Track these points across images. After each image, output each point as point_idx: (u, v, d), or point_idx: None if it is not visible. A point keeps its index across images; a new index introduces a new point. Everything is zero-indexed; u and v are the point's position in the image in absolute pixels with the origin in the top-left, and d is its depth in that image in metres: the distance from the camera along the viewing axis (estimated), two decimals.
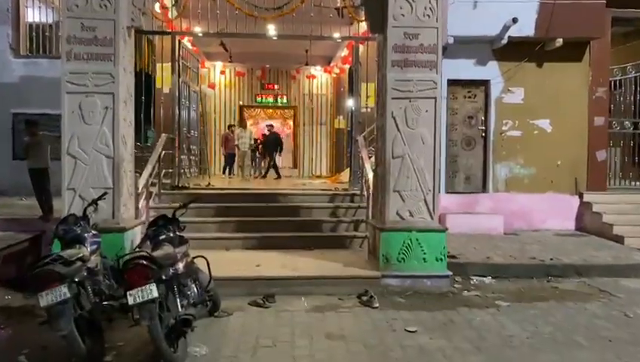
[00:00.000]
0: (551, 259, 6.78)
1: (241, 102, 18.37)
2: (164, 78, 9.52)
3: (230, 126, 15.65)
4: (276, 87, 18.43)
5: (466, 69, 8.93)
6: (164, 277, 3.70)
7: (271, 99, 18.56)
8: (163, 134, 8.23)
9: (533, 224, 9.11)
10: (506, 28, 8.43)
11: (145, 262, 3.56)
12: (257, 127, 19.13)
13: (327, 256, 6.55)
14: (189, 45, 13.82)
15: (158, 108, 9.28)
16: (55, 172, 5.53)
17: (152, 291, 3.48)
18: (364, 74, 9.42)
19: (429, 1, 5.72)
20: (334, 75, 17.56)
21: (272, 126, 15.77)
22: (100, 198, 4.79)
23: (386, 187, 5.83)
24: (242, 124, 15.61)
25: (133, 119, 5.98)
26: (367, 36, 9.52)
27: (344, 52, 14.44)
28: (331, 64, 17.35)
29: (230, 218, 7.57)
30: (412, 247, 5.75)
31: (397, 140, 5.78)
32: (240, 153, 14.17)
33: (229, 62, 16.96)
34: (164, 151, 8.10)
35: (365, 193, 7.82)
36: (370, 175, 7.20)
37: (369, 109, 9.75)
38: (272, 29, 13.31)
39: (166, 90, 9.64)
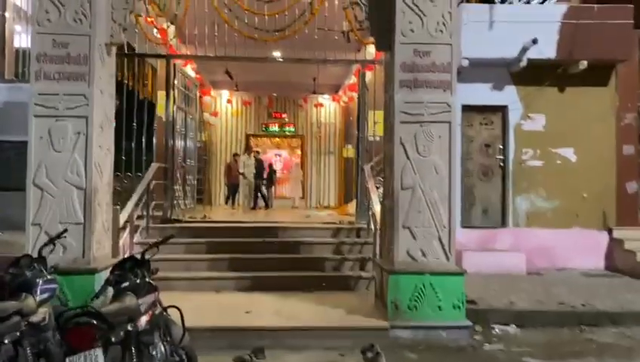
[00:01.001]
0: (582, 305, 5.97)
1: (247, 131, 17.90)
2: (162, 105, 9.02)
3: (235, 155, 15.08)
4: (284, 115, 17.97)
5: (481, 93, 8.28)
6: (114, 339, 2.99)
7: (278, 128, 18.07)
8: (153, 163, 7.64)
9: (557, 262, 8.29)
10: (524, 49, 7.80)
11: (90, 320, 2.87)
12: (265, 156, 18.59)
13: (329, 300, 5.81)
14: (192, 73, 13.45)
15: (159, 137, 8.73)
16: (20, 204, 4.89)
17: (98, 357, 2.78)
18: (371, 100, 8.83)
19: (442, 15, 5.11)
20: (342, 104, 17.05)
21: (256, 152, 15.19)
22: (58, 236, 4.13)
23: (395, 222, 5.12)
24: (248, 150, 14.91)
25: (112, 146, 5.37)
26: (373, 59, 9.00)
27: (352, 80, 13.92)
28: (339, 92, 16.87)
29: (223, 255, 6.87)
30: (425, 293, 4.99)
31: (406, 169, 5.09)
32: (245, 182, 13.49)
33: (236, 90, 16.58)
34: (154, 182, 7.49)
35: (372, 227, 7.11)
36: (377, 208, 6.52)
37: (377, 138, 9.15)
38: (276, 55, 12.90)
39: (181, 122, 9.11)
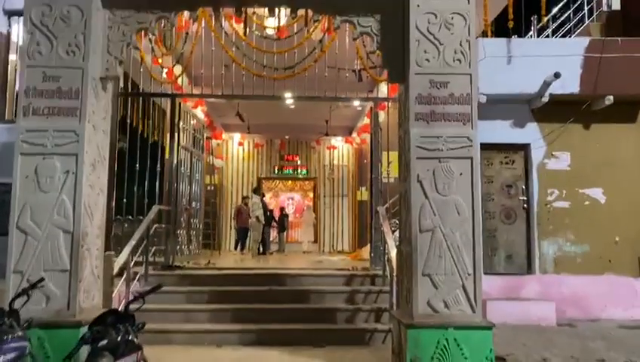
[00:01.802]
0: None
1: (259, 175, 17.61)
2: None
3: (244, 198, 14.69)
4: (296, 158, 17.69)
5: (501, 131, 7.84)
6: None
7: (290, 171, 17.76)
8: (154, 206, 7.25)
9: (590, 312, 7.60)
10: (546, 84, 7.39)
11: None
12: (277, 200, 18.20)
13: (341, 357, 5.25)
14: (202, 115, 13.28)
15: (165, 179, 8.41)
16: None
17: None
18: (385, 141, 8.44)
19: (460, 44, 4.74)
20: (355, 146, 16.74)
21: (262, 194, 14.75)
22: (33, 286, 3.69)
23: (413, 269, 4.59)
24: (259, 192, 14.36)
25: (105, 186, 4.99)
26: (387, 97, 8.68)
27: (365, 121, 13.62)
28: (352, 134, 16.59)
29: (226, 305, 6.35)
30: (449, 350, 4.40)
31: (425, 210, 4.60)
32: (256, 225, 12.92)
33: (247, 133, 16.39)
34: (156, 225, 7.09)
35: (388, 274, 6.58)
36: (394, 253, 6.00)
37: (392, 179, 8.73)
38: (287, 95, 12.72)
39: (186, 163, 8.82)
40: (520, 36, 8.10)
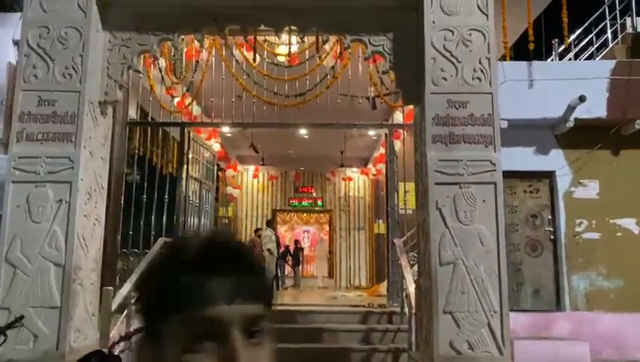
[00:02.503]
0: None
1: (274, 207, 17.32)
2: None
3: (257, 230, 14.36)
4: (311, 190, 17.40)
5: (524, 158, 7.42)
6: None
7: (305, 203, 17.45)
8: (160, 238, 6.95)
9: (628, 352, 6.98)
10: (570, 108, 7.01)
11: None
12: (292, 233, 17.82)
13: None
14: (217, 146, 13.12)
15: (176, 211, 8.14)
16: None
17: None
18: (401, 171, 8.10)
19: (479, 61, 4.43)
20: (372, 177, 16.40)
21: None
22: (10, 326, 3.36)
23: (434, 306, 4.16)
24: (272, 225, 13.93)
25: (102, 217, 4.71)
26: (402, 123, 8.38)
27: (381, 150, 13.31)
28: (368, 165, 16.28)
29: None
30: None
31: (445, 240, 4.20)
32: (268, 258, 12.51)
33: (262, 165, 16.20)
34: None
35: (407, 311, 6.13)
36: (412, 288, 5.58)
37: (409, 211, 8.34)
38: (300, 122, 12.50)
39: (195, 194, 8.59)
40: (541, 60, 7.77)
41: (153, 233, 7.29)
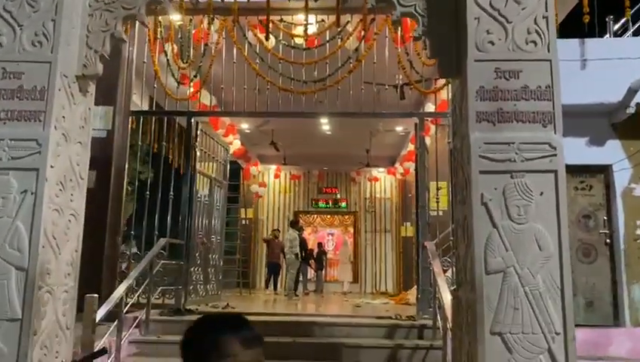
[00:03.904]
0: None
1: (296, 208, 16.60)
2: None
3: (274, 230, 13.66)
4: (335, 191, 16.62)
5: (575, 150, 6.40)
6: None
7: (329, 205, 16.67)
8: (161, 239, 6.26)
9: None
10: (631, 92, 6.08)
11: None
12: (315, 235, 17.04)
13: None
14: (237, 143, 12.46)
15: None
16: None
17: None
18: (432, 167, 7.24)
19: (534, 21, 3.57)
20: (399, 177, 15.53)
21: (301, 228, 13.70)
22: None
23: (478, 325, 3.30)
24: (297, 226, 12.99)
25: (81, 212, 4.00)
26: (435, 112, 7.53)
27: (409, 147, 12.44)
28: (395, 165, 15.42)
29: None
30: None
31: (493, 243, 3.35)
32: (293, 262, 11.66)
33: (284, 164, 15.50)
34: (161, 262, 6.08)
35: (440, 325, 5.28)
36: (447, 298, 4.73)
37: (441, 212, 7.50)
38: (324, 122, 11.75)
39: (205, 191, 7.91)
40: (591, 36, 6.81)
41: (157, 233, 6.60)
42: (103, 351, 2.49)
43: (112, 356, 4.88)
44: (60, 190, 3.70)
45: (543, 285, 3.30)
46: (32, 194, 3.51)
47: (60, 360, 3.70)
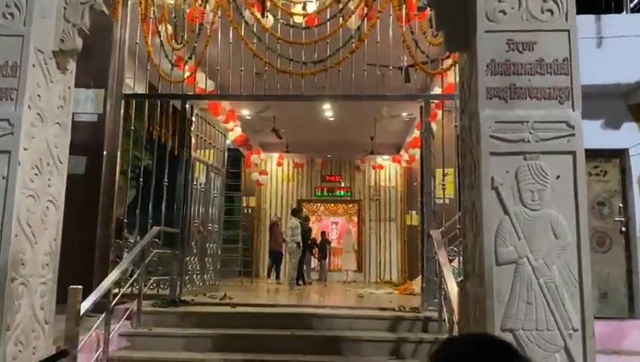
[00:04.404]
0: None
1: (299, 197, 16.32)
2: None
3: (276, 217, 13.47)
4: (338, 179, 16.32)
5: (589, 134, 5.94)
6: None
7: (332, 193, 16.37)
8: (154, 227, 6.00)
9: None
10: None
11: None
12: (319, 224, 16.76)
13: None
14: (237, 131, 12.19)
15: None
16: None
17: None
18: (438, 153, 6.93)
19: None
20: (404, 165, 15.20)
21: (306, 217, 13.52)
22: None
23: (488, 320, 3.03)
24: (299, 214, 12.65)
25: (60, 198, 3.73)
26: (442, 95, 7.20)
27: (415, 133, 12.09)
28: (400, 152, 15.08)
29: (235, 354, 4.92)
30: None
31: (504, 231, 3.06)
32: (295, 251, 11.35)
33: (286, 152, 15.20)
34: (155, 251, 5.83)
35: (446, 318, 5.02)
36: (454, 290, 4.45)
37: (447, 200, 7.20)
38: (327, 108, 11.44)
39: (202, 178, 7.64)
40: (608, 11, 6.44)
41: (151, 221, 6.33)
42: (64, 354, 2.23)
43: (100, 349, 4.65)
44: (36, 174, 3.44)
45: (559, 277, 3.01)
46: (3, 178, 3.25)
47: (38, 356, 3.45)
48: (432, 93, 8.28)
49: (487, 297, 3.03)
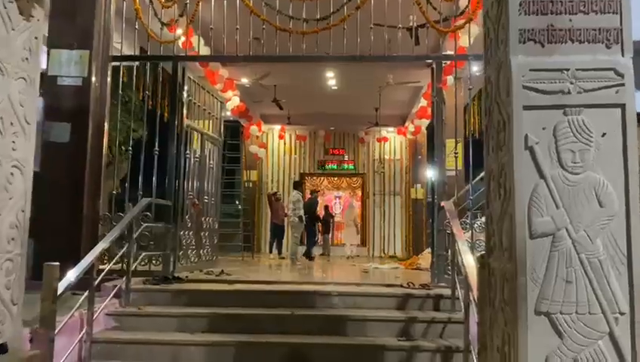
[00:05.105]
0: None
1: (302, 170, 15.89)
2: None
3: (274, 193, 13.08)
4: (342, 152, 15.86)
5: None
6: None
7: (336, 166, 15.93)
8: (144, 199, 5.58)
9: None
10: None
11: None
12: (323, 198, 16.36)
13: None
14: (236, 100, 11.69)
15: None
16: None
17: None
18: (450, 120, 6.44)
19: None
20: (410, 137, 14.72)
21: (313, 191, 13.54)
22: None
23: (518, 302, 2.60)
24: (300, 188, 12.22)
25: (28, 163, 3.29)
26: (455, 55, 6.67)
27: (421, 103, 11.57)
28: (405, 124, 14.58)
29: (231, 336, 4.54)
30: None
31: (539, 198, 2.60)
32: (297, 225, 10.96)
33: (288, 124, 14.70)
34: (145, 225, 5.41)
35: (460, 295, 4.63)
36: (471, 265, 4.03)
37: (456, 172, 6.76)
38: (330, 76, 10.91)
39: (197, 149, 7.19)
40: None
41: (140, 193, 5.90)
42: (2, 349, 1.81)
43: (84, 330, 4.27)
44: None
45: (603, 252, 2.56)
46: None
47: (4, 339, 3.05)
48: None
49: (519, 275, 2.58)
